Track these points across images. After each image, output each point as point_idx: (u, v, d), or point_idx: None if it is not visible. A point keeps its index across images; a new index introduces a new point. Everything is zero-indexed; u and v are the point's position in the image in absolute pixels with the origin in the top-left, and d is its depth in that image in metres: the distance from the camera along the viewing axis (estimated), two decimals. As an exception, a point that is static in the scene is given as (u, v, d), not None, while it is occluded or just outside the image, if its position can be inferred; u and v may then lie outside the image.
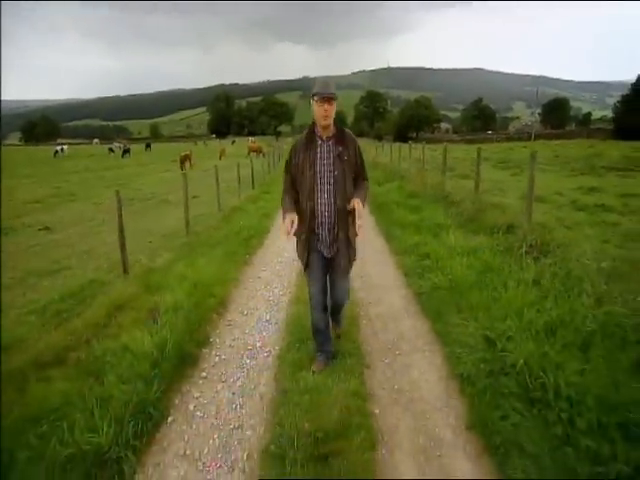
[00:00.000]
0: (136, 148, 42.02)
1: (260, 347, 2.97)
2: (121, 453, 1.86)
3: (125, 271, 4.02)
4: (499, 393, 2.07)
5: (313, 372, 2.41)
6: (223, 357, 2.85)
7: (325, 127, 2.23)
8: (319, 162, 2.24)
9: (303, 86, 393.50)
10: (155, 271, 4.02)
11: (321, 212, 2.26)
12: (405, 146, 15.82)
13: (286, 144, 37.19)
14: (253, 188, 11.09)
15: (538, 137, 46.09)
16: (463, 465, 1.85)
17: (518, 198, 6.72)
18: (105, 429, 1.89)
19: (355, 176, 2.33)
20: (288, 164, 2.36)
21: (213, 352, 2.92)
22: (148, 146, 50.94)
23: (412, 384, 2.45)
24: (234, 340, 3.09)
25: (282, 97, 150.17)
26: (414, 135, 65.44)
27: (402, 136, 54.87)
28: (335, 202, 2.24)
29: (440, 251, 4.05)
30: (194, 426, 2.18)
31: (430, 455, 1.92)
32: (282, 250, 5.26)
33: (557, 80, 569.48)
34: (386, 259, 4.79)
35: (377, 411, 2.21)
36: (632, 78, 43.69)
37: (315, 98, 2.15)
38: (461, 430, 2.06)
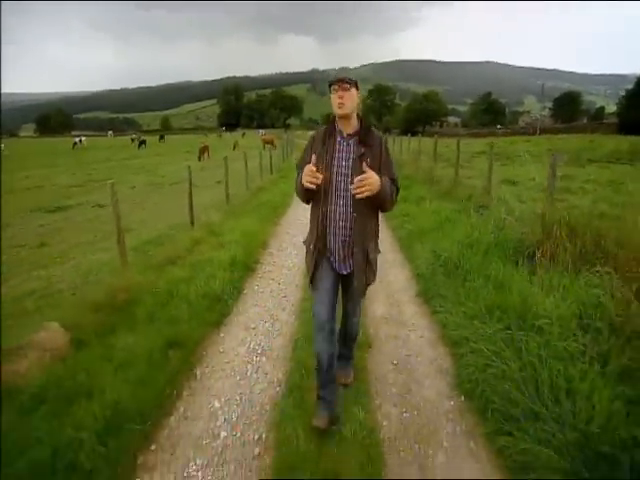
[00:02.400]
0: (149, 140, 43.90)
1: (291, 266, 4.57)
2: (226, 296, 3.49)
3: (192, 224, 5.66)
4: (435, 276, 3.65)
5: (312, 427, 1.99)
6: (269, 269, 4.48)
7: (343, 118, 1.87)
8: (336, 163, 1.87)
9: (312, 79, 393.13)
10: (213, 224, 5.65)
11: (335, 221, 1.90)
12: (413, 139, 17.40)
13: (295, 137, 38.81)
14: (271, 173, 12.71)
15: (545, 131, 46.80)
16: (410, 308, 3.43)
17: (492, 181, 8.19)
18: (215, 287, 3.52)
19: None
20: (302, 159, 1.99)
21: (263, 266, 4.55)
22: (162, 137, 52.57)
23: (390, 281, 4.03)
24: (274, 262, 4.72)
25: (291, 90, 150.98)
26: (421, 129, 66.23)
27: (410, 130, 55.88)
28: (352, 211, 1.86)
29: (417, 212, 5.61)
30: (258, 295, 3.81)
31: (393, 303, 3.51)
32: (302, 217, 6.82)
33: (571, 73, 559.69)
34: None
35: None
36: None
37: (331, 88, 1.85)
38: (413, 295, 3.65)
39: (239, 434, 2.12)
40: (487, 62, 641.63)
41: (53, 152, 39.30)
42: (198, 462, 1.94)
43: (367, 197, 1.74)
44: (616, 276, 2.41)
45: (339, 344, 2.25)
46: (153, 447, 2.03)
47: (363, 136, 1.88)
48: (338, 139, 1.91)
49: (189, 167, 5.96)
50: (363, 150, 1.85)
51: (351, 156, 1.87)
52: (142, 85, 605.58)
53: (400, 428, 2.14)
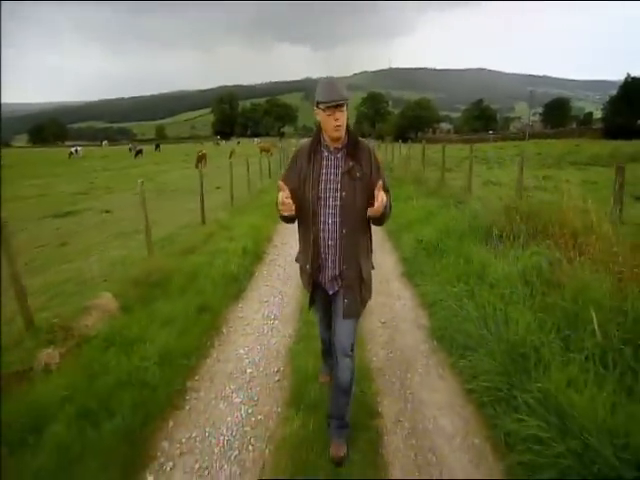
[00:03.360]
0: (145, 149, 44.38)
1: (293, 256, 5.20)
2: (241, 277, 4.12)
3: (203, 222, 6.29)
4: (418, 257, 4.31)
5: (320, 383, 2.39)
6: (275, 258, 5.13)
7: (336, 139, 1.76)
8: (324, 179, 1.78)
9: (306, 87, 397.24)
10: (223, 221, 6.29)
11: (324, 239, 1.81)
12: (403, 145, 18.25)
13: (289, 145, 39.79)
14: (270, 178, 13.40)
15: (534, 136, 48.09)
16: (396, 283, 4.08)
17: (474, 182, 8.93)
18: (232, 269, 4.15)
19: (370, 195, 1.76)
20: (286, 177, 1.85)
21: (269, 255, 5.21)
22: (157, 147, 52.89)
23: (380, 264, 4.65)
24: (278, 252, 5.38)
25: (285, 98, 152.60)
26: (414, 135, 67.48)
27: (402, 136, 56.96)
28: (341, 229, 1.78)
29: (406, 208, 6.29)
30: (267, 277, 4.45)
31: (382, 281, 4.15)
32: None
33: (561, 80, 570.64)
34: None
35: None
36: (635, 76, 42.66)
37: (321, 107, 1.68)
38: (399, 275, 4.30)
39: (262, 369, 2.74)
40: (480, 69, 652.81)
41: (50, 162, 39.33)
42: (232, 387, 2.56)
43: (356, 216, 1.74)
44: (554, 247, 3.08)
45: (331, 400, 2.01)
46: (197, 377, 2.65)
47: (351, 149, 1.77)
48: (325, 154, 1.80)
49: (200, 173, 6.61)
50: (352, 164, 1.75)
51: (340, 171, 1.76)
52: (137, 94, 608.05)
53: (386, 362, 2.78)
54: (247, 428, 2.20)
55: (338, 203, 1.76)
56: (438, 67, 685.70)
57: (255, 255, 4.94)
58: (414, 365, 2.72)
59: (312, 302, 2.00)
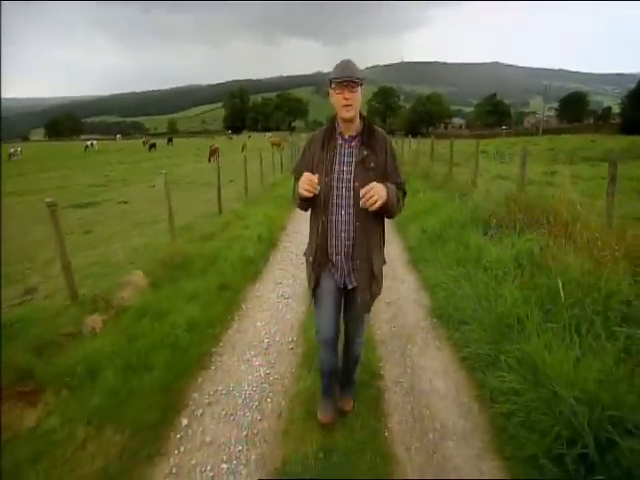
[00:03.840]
0: (158, 143, 45.07)
1: (305, 243, 5.54)
2: (257, 261, 4.46)
3: (220, 211, 6.65)
4: (422, 245, 4.59)
5: (321, 423, 2.09)
6: (287, 245, 5.47)
7: (347, 121, 1.69)
8: (337, 168, 1.72)
9: (316, 81, 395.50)
10: (238, 211, 6.64)
11: (337, 231, 1.76)
12: (413, 140, 18.42)
13: (300, 139, 40.03)
14: (282, 172, 13.73)
15: (549, 132, 47.31)
16: (402, 269, 4.36)
17: (482, 177, 9.12)
18: (249, 253, 4.49)
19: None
20: (299, 165, 1.84)
21: (282, 243, 5.54)
22: (170, 141, 53.49)
23: (387, 252, 4.98)
24: (291, 240, 5.70)
25: (295, 92, 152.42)
26: (425, 130, 67.01)
27: (413, 131, 56.68)
28: (355, 221, 1.72)
29: (413, 201, 6.54)
30: (281, 262, 4.77)
31: (389, 267, 4.44)
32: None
33: (577, 73, 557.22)
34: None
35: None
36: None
37: (333, 85, 1.64)
38: (405, 262, 4.59)
39: (277, 339, 3.08)
40: (493, 63, 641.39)
41: (66, 155, 40.01)
42: (252, 352, 2.90)
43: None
44: (547, 235, 3.33)
45: (341, 368, 2.11)
46: (220, 344, 2.99)
47: (366, 138, 1.71)
48: (339, 142, 1.74)
49: (218, 165, 6.94)
50: (366, 153, 1.69)
51: (353, 160, 1.70)
52: (148, 89, 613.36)
53: (389, 335, 3.08)
54: (265, 385, 2.53)
55: (351, 194, 1.69)
56: (450, 61, 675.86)
57: (269, 242, 5.29)
58: (414, 338, 3.02)
59: (314, 295, 1.91)
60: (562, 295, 2.27)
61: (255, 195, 8.88)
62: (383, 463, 1.90)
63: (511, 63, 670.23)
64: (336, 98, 1.64)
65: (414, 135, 32.94)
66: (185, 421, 2.22)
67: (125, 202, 11.89)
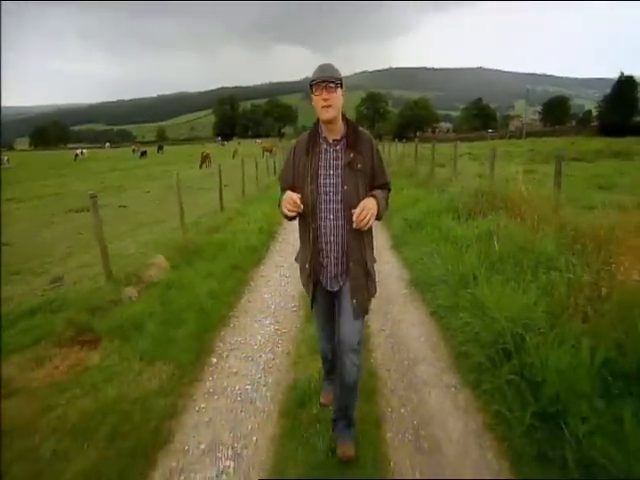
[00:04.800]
0: (148, 151, 45.30)
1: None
2: (260, 249, 5.09)
3: (222, 209, 7.26)
4: (404, 233, 5.26)
5: (321, 404, 2.19)
6: (285, 237, 6.11)
7: (328, 123, 1.68)
8: (323, 173, 1.70)
9: (305, 87, 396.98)
10: (239, 209, 7.26)
11: (326, 236, 1.74)
12: (400, 144, 19.33)
13: (290, 145, 40.66)
14: (275, 175, 14.39)
15: (532, 135, 48.78)
16: (386, 253, 5.02)
17: (462, 175, 9.92)
18: (253, 242, 5.12)
19: (373, 188, 1.76)
20: (285, 174, 1.84)
21: (281, 235, 6.20)
22: (160, 148, 53.31)
23: (376, 239, 5.66)
24: (287, 233, 6.35)
25: (284, 99, 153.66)
26: (412, 135, 68.31)
27: (401, 136, 57.75)
28: (344, 225, 1.70)
29: (398, 197, 7.25)
30: (280, 250, 5.40)
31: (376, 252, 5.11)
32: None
33: (561, 78, 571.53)
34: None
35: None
36: (635, 74, 42.99)
37: (312, 88, 1.63)
38: (389, 247, 5.25)
39: (282, 305, 3.71)
40: (479, 68, 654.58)
41: (56, 164, 39.50)
42: (262, 315, 3.52)
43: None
44: (505, 215, 4.04)
45: (336, 395, 1.94)
46: (235, 310, 3.61)
47: (351, 140, 1.70)
48: (324, 147, 1.72)
49: (220, 169, 7.56)
50: (352, 156, 1.68)
51: (340, 163, 1.69)
52: (137, 97, 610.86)
53: (374, 302, 3.71)
54: (275, 336, 3.15)
55: (340, 198, 1.68)
56: (437, 66, 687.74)
57: (269, 234, 5.92)
58: (395, 301, 3.67)
59: (314, 301, 1.88)
60: (496, 247, 2.94)
61: (252, 195, 9.51)
62: (370, 379, 2.53)
63: (497, 68, 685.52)
64: (316, 100, 1.63)
65: (401, 139, 33.90)
66: (214, 360, 2.83)
67: (124, 206, 12.36)
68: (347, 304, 1.77)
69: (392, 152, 18.11)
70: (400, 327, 3.20)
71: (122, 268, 4.69)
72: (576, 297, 2.24)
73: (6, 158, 34.89)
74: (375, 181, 1.74)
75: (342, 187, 1.68)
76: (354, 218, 1.58)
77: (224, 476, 1.84)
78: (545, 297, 2.47)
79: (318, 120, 1.71)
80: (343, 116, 1.72)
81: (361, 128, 1.76)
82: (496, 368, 2.21)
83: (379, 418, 2.19)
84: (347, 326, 1.77)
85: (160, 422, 2.15)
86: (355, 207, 1.61)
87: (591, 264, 2.47)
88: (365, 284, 1.80)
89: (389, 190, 1.88)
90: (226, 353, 2.92)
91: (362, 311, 1.80)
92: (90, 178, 23.84)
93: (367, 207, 1.57)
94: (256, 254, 4.99)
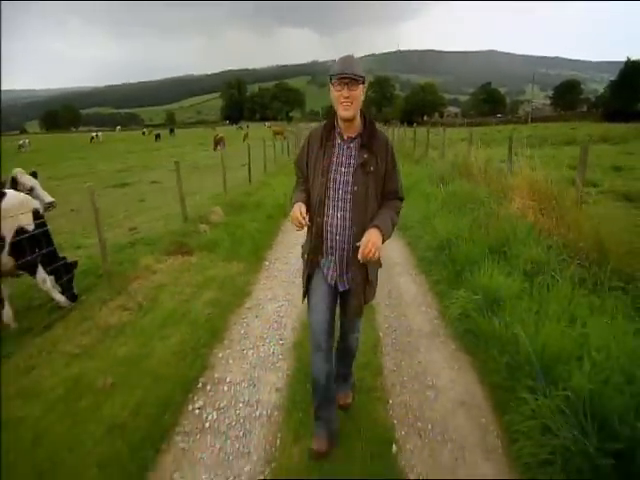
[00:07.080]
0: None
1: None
2: (286, 206, 6.71)
3: (250, 181, 8.87)
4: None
5: (311, 451, 1.87)
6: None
7: (347, 121, 1.61)
8: (334, 169, 1.66)
9: (312, 70, 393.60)
10: (264, 180, 8.86)
11: (332, 234, 1.69)
12: (402, 129, 20.66)
13: (299, 129, 41.56)
14: (289, 155, 15.94)
15: (539, 119, 48.77)
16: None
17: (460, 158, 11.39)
18: (280, 201, 6.73)
19: (383, 192, 1.71)
20: (300, 159, 1.80)
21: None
22: (172, 131, 54.11)
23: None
24: (305, 199, 7.91)
25: (291, 82, 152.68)
26: (420, 119, 68.36)
27: (408, 120, 57.51)
28: (351, 226, 1.65)
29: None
30: (284, 236, 6.98)
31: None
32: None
33: (574, 61, 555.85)
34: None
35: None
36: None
37: (332, 80, 1.55)
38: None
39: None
40: (490, 51, 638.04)
41: (72, 146, 39.26)
42: (292, 244, 5.12)
43: (367, 213, 1.65)
44: (472, 181, 5.58)
45: (337, 362, 2.01)
46: (274, 244, 5.22)
47: (366, 140, 1.64)
48: (338, 142, 1.68)
49: (248, 146, 9.10)
50: (366, 156, 1.63)
51: (352, 162, 1.65)
52: (142, 80, 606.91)
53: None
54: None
55: (349, 197, 1.64)
56: (446, 49, 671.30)
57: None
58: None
59: (307, 295, 1.84)
60: (443, 193, 4.52)
61: (272, 172, 11.08)
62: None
63: (508, 51, 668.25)
64: (335, 95, 1.57)
65: (410, 124, 34.70)
66: (267, 263, 4.48)
67: (156, 182, 13.83)
68: (347, 306, 1.83)
69: (395, 135, 19.41)
70: (385, 248, 4.78)
71: (192, 213, 6.31)
72: (485, 218, 3.83)
73: (27, 141, 35.53)
74: (385, 186, 1.70)
75: (352, 187, 1.64)
76: (359, 254, 1.55)
77: (282, 309, 3.45)
78: (471, 220, 4.05)
79: (335, 113, 1.66)
80: (361, 112, 1.67)
81: (379, 129, 1.71)
82: (438, 259, 3.82)
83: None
84: (348, 322, 1.93)
85: (244, 286, 3.80)
86: (363, 210, 1.64)
87: (500, 201, 4.04)
88: (363, 289, 1.77)
89: (401, 200, 1.81)
90: (273, 261, 4.57)
91: (359, 315, 1.86)
92: (112, 159, 25.00)
93: (372, 241, 1.52)
94: (283, 209, 6.59)
